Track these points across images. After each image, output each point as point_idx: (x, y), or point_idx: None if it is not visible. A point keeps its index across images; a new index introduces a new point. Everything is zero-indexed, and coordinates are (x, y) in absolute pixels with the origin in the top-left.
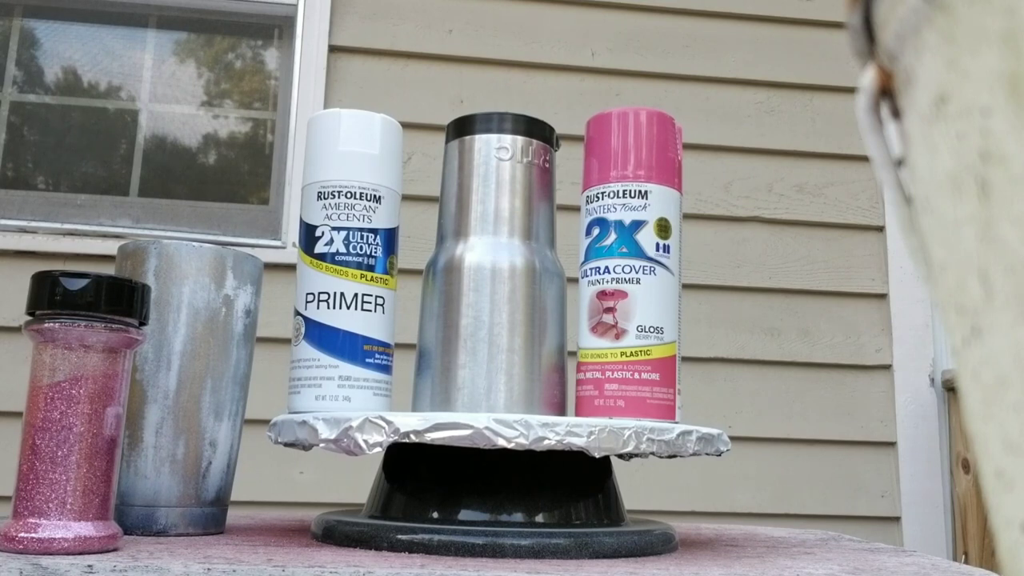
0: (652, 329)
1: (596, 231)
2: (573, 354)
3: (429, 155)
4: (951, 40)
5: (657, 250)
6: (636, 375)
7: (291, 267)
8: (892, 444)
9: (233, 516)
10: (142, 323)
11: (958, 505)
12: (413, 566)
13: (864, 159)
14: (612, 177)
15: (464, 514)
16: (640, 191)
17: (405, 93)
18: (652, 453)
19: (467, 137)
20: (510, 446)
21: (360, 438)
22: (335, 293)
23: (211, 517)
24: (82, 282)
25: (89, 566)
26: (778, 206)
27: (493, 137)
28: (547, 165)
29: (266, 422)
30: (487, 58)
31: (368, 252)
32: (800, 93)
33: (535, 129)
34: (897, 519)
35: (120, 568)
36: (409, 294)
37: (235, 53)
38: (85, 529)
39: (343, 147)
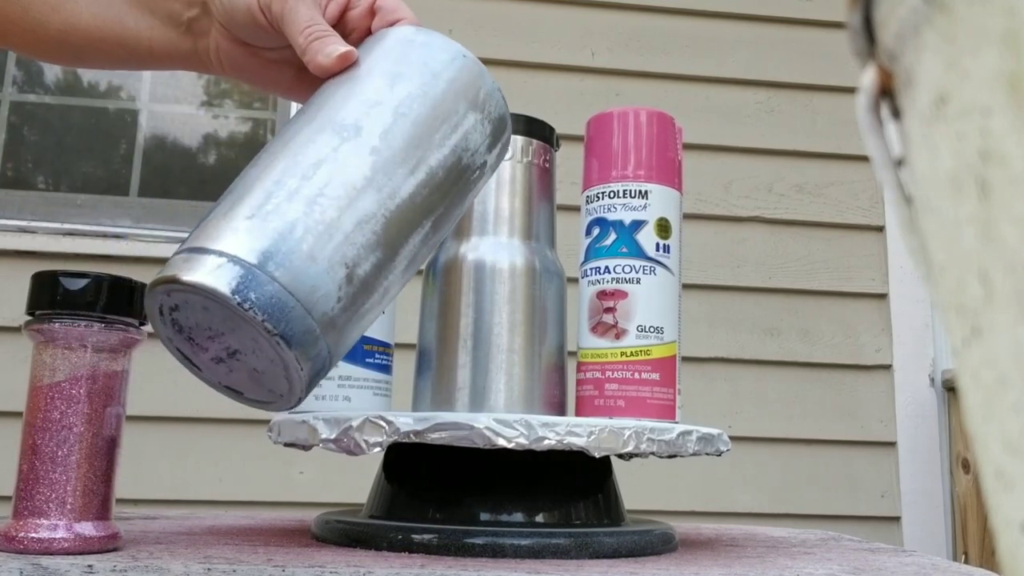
0: (652, 329)
1: (596, 231)
2: (573, 354)
3: None
4: (951, 40)
5: (657, 250)
6: (636, 375)
7: None
8: (892, 444)
9: (233, 516)
10: (142, 323)
11: (958, 505)
12: (413, 566)
13: (864, 159)
14: (612, 177)
15: (464, 514)
16: (640, 191)
17: None
18: (652, 453)
19: None
20: (510, 446)
21: (360, 438)
22: None
23: None
24: (82, 282)
25: (89, 566)
26: (778, 206)
27: None
28: (547, 165)
29: (266, 422)
30: (487, 58)
31: None
32: (800, 93)
33: (535, 129)
34: (897, 519)
35: (120, 568)
36: (409, 294)
37: None
38: (85, 529)
39: None
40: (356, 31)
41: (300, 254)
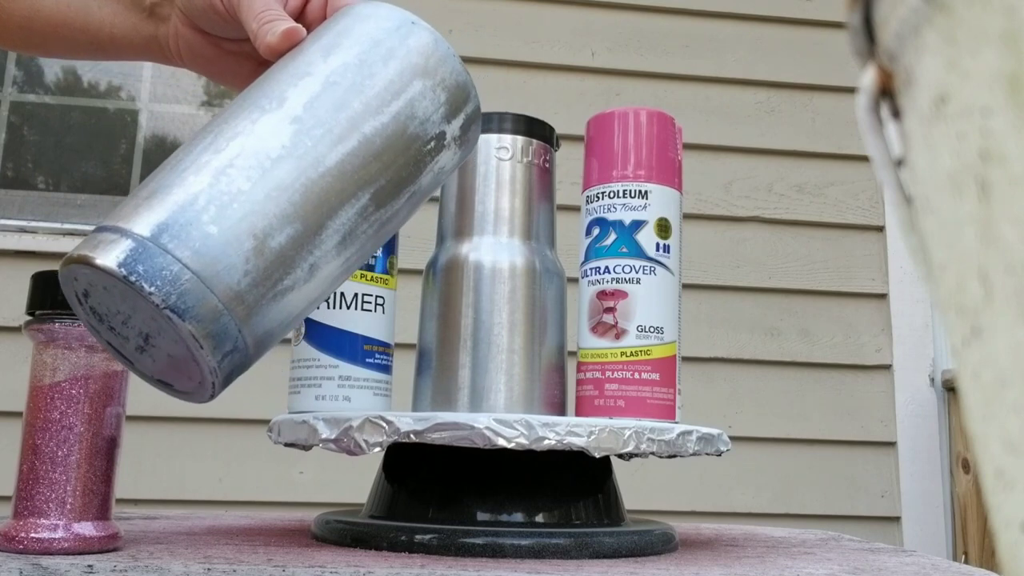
0: (652, 329)
1: (596, 231)
2: (573, 354)
3: None
4: (951, 40)
5: (657, 250)
6: (636, 375)
7: None
8: (892, 444)
9: (233, 516)
10: None
11: (958, 505)
12: (413, 566)
13: (864, 159)
14: (612, 177)
15: (464, 514)
16: (640, 191)
17: None
18: (652, 453)
19: None
20: (510, 446)
21: (360, 438)
22: (335, 293)
23: None
24: None
25: (89, 566)
26: (778, 206)
27: (493, 137)
28: (547, 165)
29: (266, 422)
30: (487, 58)
31: None
32: (800, 93)
33: (535, 129)
34: (897, 519)
35: (120, 568)
36: (409, 294)
37: None
38: (85, 529)
39: None
40: (314, 24)
41: (199, 225)
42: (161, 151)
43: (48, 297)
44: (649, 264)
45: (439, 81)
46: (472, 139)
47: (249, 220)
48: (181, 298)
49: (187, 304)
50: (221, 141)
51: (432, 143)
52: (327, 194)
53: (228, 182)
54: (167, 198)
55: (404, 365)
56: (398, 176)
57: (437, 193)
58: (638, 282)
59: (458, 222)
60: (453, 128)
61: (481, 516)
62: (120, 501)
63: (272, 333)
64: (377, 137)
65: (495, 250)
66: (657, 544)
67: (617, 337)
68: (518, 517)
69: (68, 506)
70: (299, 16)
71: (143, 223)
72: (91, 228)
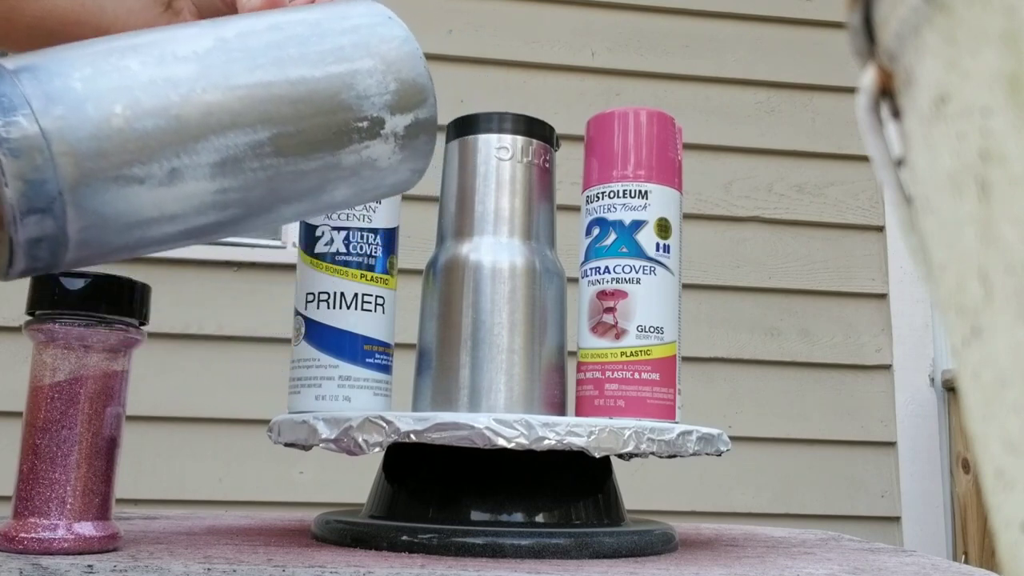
0: (652, 329)
1: (596, 231)
2: (573, 354)
3: None
4: (951, 40)
5: (657, 250)
6: (636, 375)
7: (291, 267)
8: (892, 444)
9: (233, 516)
10: (142, 323)
11: (958, 505)
12: (413, 566)
13: (864, 159)
14: (612, 177)
15: (464, 514)
16: (640, 191)
17: None
18: (652, 453)
19: (467, 137)
20: (510, 446)
21: (360, 438)
22: (335, 293)
23: None
24: (82, 282)
25: (89, 566)
26: (778, 206)
27: (493, 137)
28: (547, 165)
29: (266, 422)
30: (487, 58)
31: (368, 252)
32: (800, 93)
33: (535, 129)
34: (897, 519)
35: (120, 568)
36: (409, 294)
37: None
38: (85, 529)
39: None
40: None
41: (66, 78)
42: None
43: (48, 297)
44: (649, 264)
45: (394, 70)
46: (420, 149)
47: (121, 93)
48: (5, 127)
49: (9, 134)
50: (140, 34)
51: (365, 123)
52: (219, 108)
53: (119, 58)
54: (58, 53)
55: (404, 365)
56: (313, 134)
57: (437, 192)
58: (638, 282)
59: (458, 222)
60: (395, 122)
61: (481, 516)
62: (120, 501)
63: (104, 222)
64: (302, 85)
65: (495, 250)
66: (657, 544)
67: (617, 337)
68: (518, 517)
69: (68, 506)
70: None
71: (16, 62)
72: None
